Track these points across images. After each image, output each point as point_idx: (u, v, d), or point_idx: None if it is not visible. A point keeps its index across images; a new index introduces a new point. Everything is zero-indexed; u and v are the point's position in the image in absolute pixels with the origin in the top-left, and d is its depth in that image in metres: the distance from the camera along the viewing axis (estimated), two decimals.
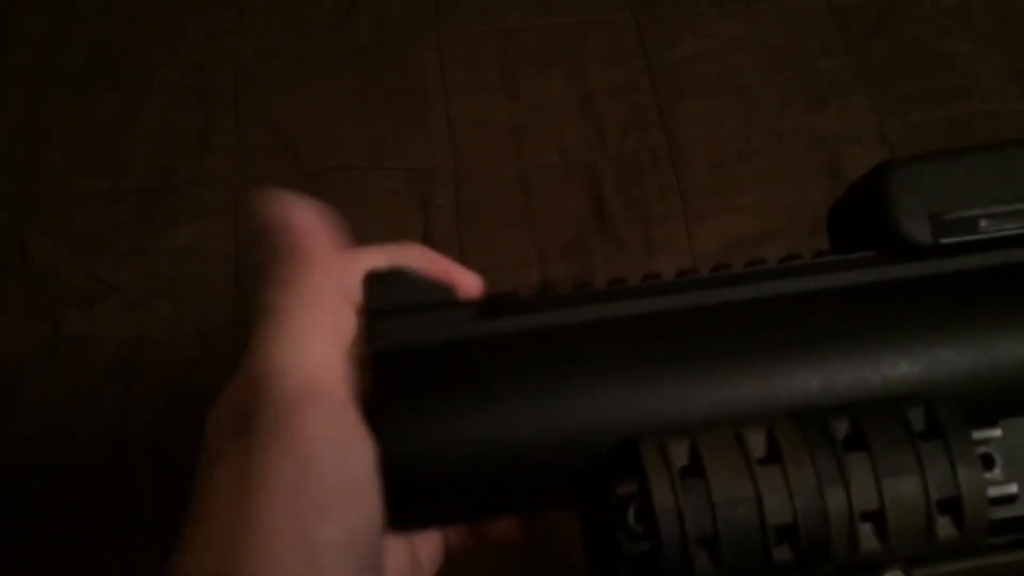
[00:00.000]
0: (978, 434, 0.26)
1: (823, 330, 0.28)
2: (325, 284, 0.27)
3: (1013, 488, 0.26)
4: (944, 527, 0.25)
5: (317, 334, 0.26)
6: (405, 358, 0.27)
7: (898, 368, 0.27)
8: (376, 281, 0.29)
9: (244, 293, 0.66)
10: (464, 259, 0.67)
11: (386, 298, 0.28)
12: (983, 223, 0.30)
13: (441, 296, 0.29)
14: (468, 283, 0.30)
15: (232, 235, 0.69)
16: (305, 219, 0.27)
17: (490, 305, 0.29)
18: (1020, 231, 0.30)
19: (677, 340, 0.28)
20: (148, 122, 0.74)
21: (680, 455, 0.26)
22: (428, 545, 0.30)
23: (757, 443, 0.26)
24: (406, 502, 0.26)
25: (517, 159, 0.72)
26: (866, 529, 0.25)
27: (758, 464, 0.25)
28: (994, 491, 0.26)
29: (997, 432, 0.26)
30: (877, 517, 0.25)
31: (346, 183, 0.71)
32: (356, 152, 0.72)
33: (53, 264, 0.68)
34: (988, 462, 0.26)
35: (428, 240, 0.68)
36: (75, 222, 0.70)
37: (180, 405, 0.61)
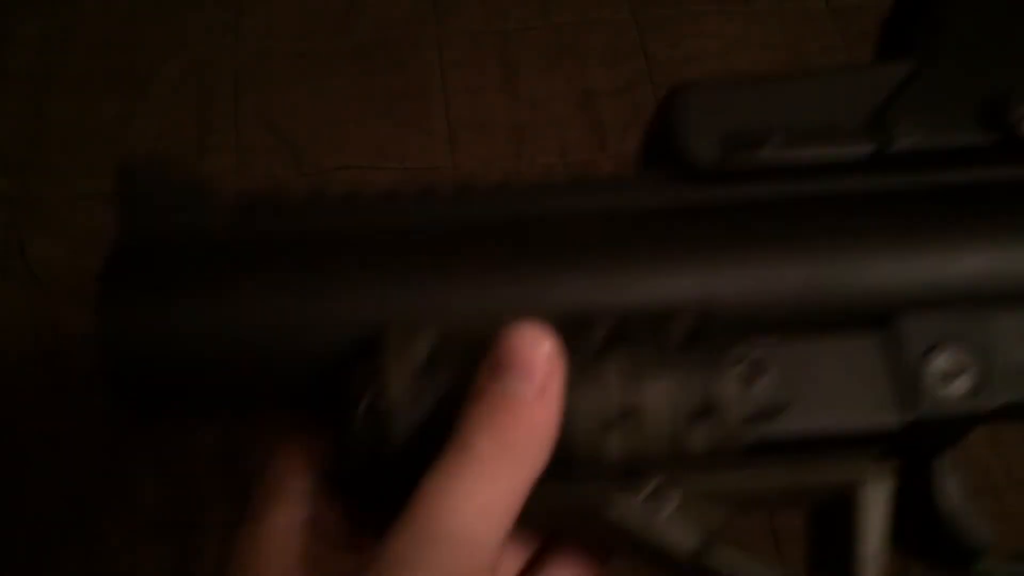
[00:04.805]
0: (742, 348, 0.25)
1: (590, 243, 0.27)
2: None
3: (778, 401, 0.25)
4: (697, 438, 0.24)
5: None
6: (145, 252, 0.27)
7: (660, 283, 0.26)
8: (129, 175, 0.28)
9: None
10: None
11: (139, 194, 0.28)
12: (772, 146, 0.28)
13: (197, 195, 0.28)
14: None
15: None
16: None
17: (249, 207, 0.29)
18: (806, 158, 0.28)
19: (441, 243, 0.27)
20: (148, 122, 0.74)
21: (423, 349, 0.24)
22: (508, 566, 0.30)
23: None
24: (141, 389, 0.26)
25: (517, 159, 0.72)
26: (615, 435, 0.24)
27: None
28: (752, 406, 0.25)
29: (766, 343, 0.25)
30: (625, 422, 0.24)
31: (346, 183, 0.71)
32: (356, 152, 0.72)
33: (53, 264, 0.68)
34: (755, 372, 0.25)
35: None
36: (75, 222, 0.69)
37: None
